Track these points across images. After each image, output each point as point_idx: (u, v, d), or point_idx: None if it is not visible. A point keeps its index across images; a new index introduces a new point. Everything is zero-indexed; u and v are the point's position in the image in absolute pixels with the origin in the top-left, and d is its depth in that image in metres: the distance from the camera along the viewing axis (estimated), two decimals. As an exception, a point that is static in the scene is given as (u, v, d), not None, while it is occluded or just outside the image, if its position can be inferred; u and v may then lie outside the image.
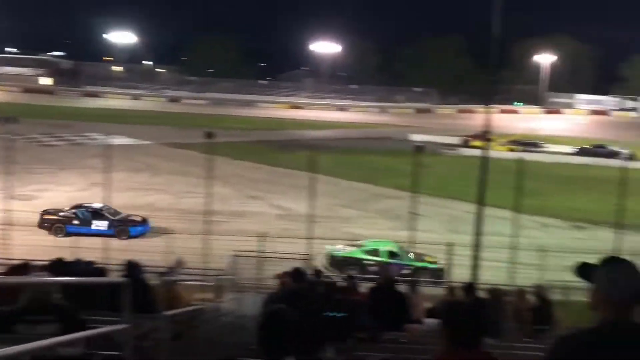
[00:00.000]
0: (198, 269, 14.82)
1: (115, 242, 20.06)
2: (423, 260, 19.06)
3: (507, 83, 79.83)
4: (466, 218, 23.62)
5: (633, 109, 73.70)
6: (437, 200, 28.58)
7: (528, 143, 48.39)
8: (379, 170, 36.88)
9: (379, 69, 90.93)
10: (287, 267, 10.06)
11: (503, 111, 69.66)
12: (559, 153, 46.31)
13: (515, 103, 78.64)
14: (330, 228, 23.39)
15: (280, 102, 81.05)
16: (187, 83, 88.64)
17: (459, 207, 26.65)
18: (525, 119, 67.05)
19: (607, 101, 76.12)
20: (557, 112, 75.19)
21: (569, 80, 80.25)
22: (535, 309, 10.11)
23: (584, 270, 2.46)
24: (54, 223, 21.52)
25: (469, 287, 10.07)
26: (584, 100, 76.95)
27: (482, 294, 10.48)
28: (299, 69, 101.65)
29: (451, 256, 16.99)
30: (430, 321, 8.21)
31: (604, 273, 2.37)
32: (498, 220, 22.62)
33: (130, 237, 21.47)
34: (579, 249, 18.40)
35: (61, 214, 21.89)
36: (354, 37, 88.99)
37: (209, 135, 17.43)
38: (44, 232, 21.18)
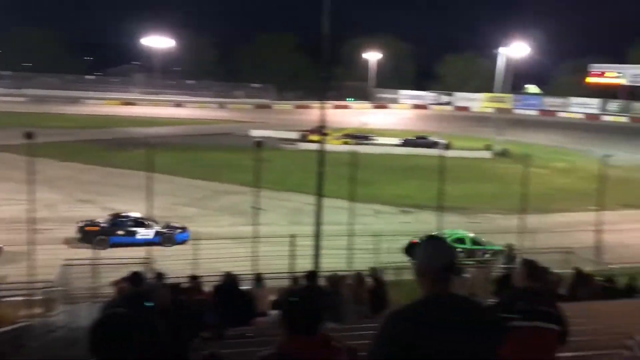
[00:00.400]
0: (23, 282, 13.41)
1: None
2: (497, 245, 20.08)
3: (340, 80, 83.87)
4: (306, 209, 24.46)
5: (448, 103, 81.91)
6: (278, 193, 29.16)
7: (360, 136, 51.32)
8: (220, 166, 36.58)
9: (215, 65, 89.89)
10: (126, 272, 9.58)
11: (337, 106, 73.09)
12: (387, 145, 49.84)
13: (348, 99, 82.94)
14: (171, 228, 22.69)
15: (110, 98, 76.27)
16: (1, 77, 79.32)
17: (299, 199, 27.48)
18: (356, 114, 71.04)
19: (426, 96, 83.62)
20: (384, 106, 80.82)
21: (393, 77, 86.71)
22: (372, 290, 10.83)
23: (410, 249, 2.72)
24: (96, 235, 20.51)
25: (311, 276, 10.47)
26: (407, 96, 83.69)
27: (323, 281, 10.96)
28: (130, 63, 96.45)
29: (294, 247, 17.45)
30: (275, 312, 8.40)
31: (421, 250, 2.64)
32: (336, 210, 23.74)
33: (176, 244, 21.23)
34: (407, 231, 20.08)
35: (103, 225, 21.11)
36: (189, 32, 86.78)
37: (29, 135, 15.78)
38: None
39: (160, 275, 10.29)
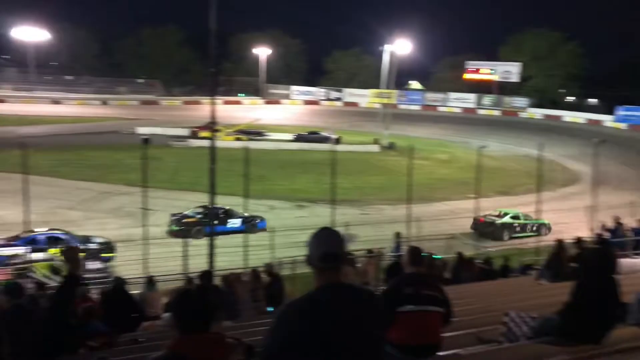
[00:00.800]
0: None
1: None
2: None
3: (230, 75, 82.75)
4: (200, 208, 23.95)
5: (338, 99, 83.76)
6: (169, 193, 28.29)
7: (252, 132, 51.10)
8: (106, 166, 34.74)
9: (96, 59, 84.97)
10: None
11: (227, 102, 72.08)
12: (280, 140, 50.11)
13: (239, 94, 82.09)
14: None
15: (-23, 95, 69.54)
16: None
17: (192, 198, 26.81)
18: (248, 110, 70.60)
19: (317, 92, 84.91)
20: (276, 102, 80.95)
21: (284, 73, 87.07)
22: (268, 286, 10.89)
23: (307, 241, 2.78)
24: (195, 226, 21.80)
25: (205, 275, 10.31)
26: (298, 91, 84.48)
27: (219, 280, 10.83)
28: (1, 57, 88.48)
29: (186, 247, 17.05)
30: (167, 315, 8.18)
31: (310, 241, 2.71)
32: (230, 207, 23.55)
33: (257, 231, 22.53)
34: (302, 225, 20.34)
35: (199, 216, 22.26)
36: (66, 24, 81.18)
37: None
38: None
39: (41, 285, 9.64)
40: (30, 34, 75.43)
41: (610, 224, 17.67)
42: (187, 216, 22.87)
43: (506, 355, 4.10)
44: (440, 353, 4.26)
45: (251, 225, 23.14)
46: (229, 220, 23.13)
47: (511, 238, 23.77)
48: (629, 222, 18.78)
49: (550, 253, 11.86)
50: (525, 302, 7.85)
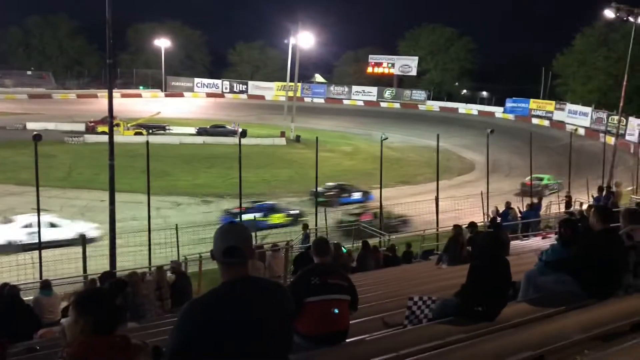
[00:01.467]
0: None
1: None
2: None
3: (129, 67, 79.30)
4: (99, 207, 22.86)
5: (242, 92, 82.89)
6: (65, 191, 26.73)
7: (154, 126, 49.41)
8: (-8, 165, 32.17)
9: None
10: None
11: (126, 95, 69.08)
12: (182, 134, 48.84)
13: (141, 87, 78.94)
14: None
15: None
16: None
17: (90, 197, 25.51)
18: (149, 103, 68.04)
19: (221, 84, 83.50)
20: (179, 95, 78.65)
21: (186, 65, 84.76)
22: (174, 284, 10.62)
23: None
24: (335, 197, 27.70)
25: (106, 276, 9.89)
26: (202, 84, 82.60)
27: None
28: None
29: (86, 248, 16.18)
30: (66, 320, 7.75)
31: (214, 237, 2.68)
32: (132, 205, 22.62)
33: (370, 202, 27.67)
34: (209, 221, 20.01)
35: (335, 191, 28.51)
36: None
37: None
38: None
39: None
40: None
41: (502, 209, 18.93)
42: (325, 190, 27.36)
43: (409, 337, 4.28)
44: (348, 339, 4.38)
45: (367, 197, 28.66)
46: (352, 194, 28.90)
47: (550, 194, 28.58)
48: (519, 206, 20.23)
49: (448, 238, 12.51)
50: (427, 285, 8.24)
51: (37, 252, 15.32)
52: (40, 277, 13.58)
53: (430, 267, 12.07)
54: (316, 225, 20.51)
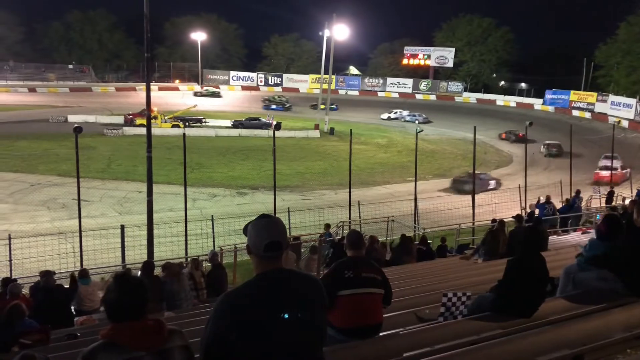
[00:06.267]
0: None
1: None
2: None
3: (166, 60, 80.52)
4: (137, 198, 23.36)
5: (277, 85, 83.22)
6: (104, 183, 27.38)
7: (190, 119, 50.10)
8: (35, 156, 33.16)
9: (22, 44, 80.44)
10: None
11: (163, 88, 70.21)
12: (218, 127, 49.38)
13: (176, 80, 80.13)
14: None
15: None
16: None
17: (128, 188, 26.06)
18: (185, 96, 69.06)
19: (256, 77, 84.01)
20: (215, 88, 79.48)
21: (222, 58, 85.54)
22: (210, 274, 10.76)
23: (246, 230, 2.75)
24: (464, 183, 27.78)
25: (147, 266, 10.08)
26: (237, 77, 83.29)
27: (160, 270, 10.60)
28: None
29: (125, 239, 16.55)
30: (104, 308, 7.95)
31: (249, 229, 2.69)
32: (169, 196, 23.05)
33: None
34: (244, 213, 20.20)
35: (464, 176, 29.38)
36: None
37: None
38: None
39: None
40: (-54, 16, 70.55)
41: (541, 202, 18.53)
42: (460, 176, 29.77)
43: (443, 332, 4.23)
44: (381, 333, 4.35)
45: (499, 183, 31.05)
46: (490, 182, 30.52)
47: None
48: (557, 201, 19.77)
49: (485, 232, 12.30)
50: (462, 280, 8.13)
51: (77, 241, 15.74)
52: (81, 266, 13.94)
53: (465, 261, 11.90)
54: (350, 218, 20.48)
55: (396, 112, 63.83)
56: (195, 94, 70.76)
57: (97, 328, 6.89)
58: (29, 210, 23.87)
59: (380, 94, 78.53)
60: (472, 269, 10.17)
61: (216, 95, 71.93)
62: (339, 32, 60.23)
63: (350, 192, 21.47)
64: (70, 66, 79.79)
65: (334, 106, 61.86)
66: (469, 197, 21.49)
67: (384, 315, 4.48)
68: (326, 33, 57.47)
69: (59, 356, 5.19)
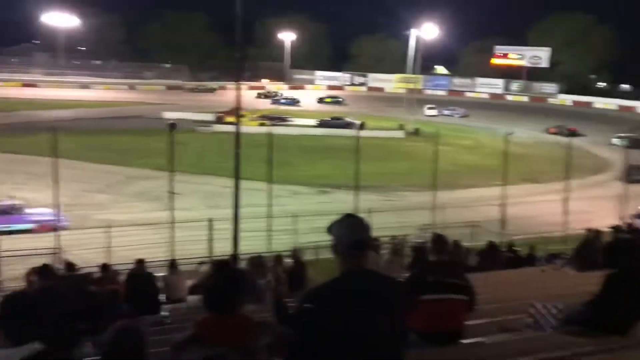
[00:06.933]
0: None
1: None
2: None
3: (255, 60, 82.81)
4: (224, 192, 24.14)
5: (362, 84, 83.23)
6: (194, 177, 28.56)
7: (276, 118, 51.22)
8: (132, 150, 35.23)
9: (123, 44, 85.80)
10: (34, 264, 9.07)
11: (252, 87, 72.23)
12: (303, 126, 50.09)
13: (263, 80, 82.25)
14: (80, 216, 21.68)
15: (9, 79, 71.02)
16: None
17: (216, 183, 27.05)
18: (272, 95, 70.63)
19: (341, 77, 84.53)
20: (300, 87, 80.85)
21: (309, 58, 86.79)
22: (291, 271, 10.94)
23: (331, 228, 2.78)
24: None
25: (232, 259, 10.41)
26: (323, 77, 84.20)
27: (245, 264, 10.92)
28: (30, 42, 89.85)
29: (212, 231, 17.24)
30: (192, 298, 8.30)
31: (335, 228, 2.71)
32: (253, 192, 23.62)
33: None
34: (325, 211, 20.37)
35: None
36: (93, 9, 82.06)
37: None
38: None
39: (70, 266, 9.85)
40: (60, 19, 76.54)
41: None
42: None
43: (531, 345, 4.05)
44: (464, 341, 4.24)
45: None
46: None
47: None
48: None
49: (580, 242, 11.66)
50: (551, 291, 7.74)
51: (168, 232, 16.55)
52: (172, 256, 14.63)
53: (555, 271, 11.33)
54: (433, 221, 20.12)
55: (434, 108, 62.89)
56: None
57: (184, 317, 7.20)
58: (125, 201, 25.40)
59: (468, 94, 76.45)
60: (562, 279, 9.67)
61: (210, 91, 73.28)
62: (427, 31, 59.26)
63: (434, 194, 21.08)
64: (167, 65, 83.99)
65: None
66: (560, 204, 20.46)
67: (466, 322, 4.37)
68: (413, 32, 56.73)
69: (148, 341, 5.46)
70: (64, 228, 18.83)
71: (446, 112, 60.87)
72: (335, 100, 70.06)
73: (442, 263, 4.36)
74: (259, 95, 70.40)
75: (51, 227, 18.77)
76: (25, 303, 2.54)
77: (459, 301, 4.24)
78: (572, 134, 52.40)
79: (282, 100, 67.21)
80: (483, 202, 25.82)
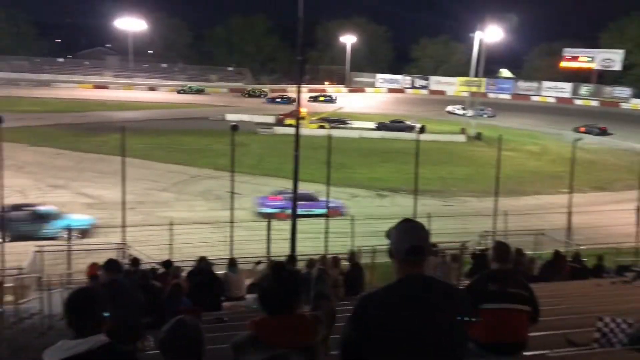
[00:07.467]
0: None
1: None
2: None
3: (315, 63, 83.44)
4: (283, 194, 24.42)
5: (423, 87, 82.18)
6: (254, 178, 29.05)
7: (335, 120, 51.33)
8: (196, 151, 36.23)
9: (188, 47, 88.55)
10: (100, 259, 9.47)
11: (312, 90, 72.76)
12: (362, 129, 49.95)
13: (325, 83, 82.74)
14: (145, 213, 22.49)
15: (82, 81, 74.76)
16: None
17: (276, 184, 27.39)
18: (332, 98, 70.86)
19: (402, 80, 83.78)
20: (360, 90, 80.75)
21: (369, 61, 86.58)
22: (348, 273, 10.92)
23: (389, 232, 2.74)
24: None
25: (289, 259, 10.52)
26: (383, 79, 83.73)
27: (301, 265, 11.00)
28: (104, 46, 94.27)
29: (270, 232, 17.44)
30: (251, 296, 8.42)
31: (393, 232, 2.67)
32: (312, 194, 23.81)
33: None
34: (383, 215, 20.22)
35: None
36: (161, 14, 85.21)
37: (-2, 119, 15.31)
38: None
39: (135, 262, 10.22)
40: (130, 23, 79.88)
41: None
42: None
43: (599, 361, 3.86)
44: (527, 353, 4.09)
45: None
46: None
47: None
48: None
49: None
50: (620, 305, 7.36)
51: (229, 231, 16.89)
52: (231, 255, 14.91)
53: (625, 285, 10.77)
54: (494, 227, 19.57)
55: (456, 107, 62.17)
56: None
57: (242, 315, 7.32)
58: (188, 199, 26.12)
59: (534, 98, 74.06)
60: (633, 294, 9.18)
61: (200, 92, 72.55)
62: (492, 33, 57.83)
63: (496, 200, 20.51)
64: (230, 68, 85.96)
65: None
66: (632, 212, 19.41)
67: (529, 334, 4.21)
68: (478, 34, 55.51)
69: (207, 337, 5.58)
70: (343, 214, 22.37)
71: (474, 112, 60.05)
72: (329, 99, 70.11)
73: (505, 272, 4.22)
74: (243, 94, 72.40)
75: (339, 213, 22.73)
76: (92, 296, 2.65)
77: (522, 312, 4.09)
78: (603, 132, 50.81)
79: (278, 100, 67.42)
80: (548, 210, 24.91)
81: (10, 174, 19.75)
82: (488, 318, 3.97)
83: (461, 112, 61.03)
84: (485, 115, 57.88)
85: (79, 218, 20.81)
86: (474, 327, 3.89)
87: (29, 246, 15.64)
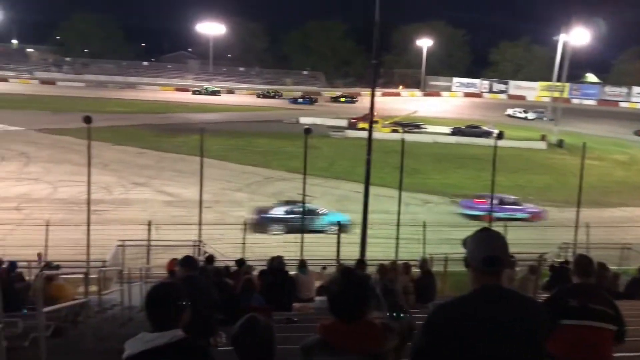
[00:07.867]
0: (80, 261, 14.00)
1: None
2: None
3: (390, 67, 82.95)
4: (354, 197, 24.42)
5: (502, 92, 79.65)
6: (326, 181, 29.23)
7: (409, 124, 50.73)
8: (270, 153, 36.94)
9: (266, 52, 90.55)
10: (177, 254, 9.82)
11: (386, 94, 72.34)
12: (437, 133, 49.08)
13: (400, 86, 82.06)
14: (221, 212, 23.14)
15: (165, 84, 78.20)
16: (62, 64, 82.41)
17: (347, 187, 27.42)
18: (407, 102, 70.14)
19: (479, 84, 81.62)
20: (436, 94, 79.42)
21: (446, 65, 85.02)
22: (419, 280, 10.73)
23: (465, 241, 2.67)
24: None
25: (359, 264, 10.48)
26: (460, 83, 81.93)
27: (371, 270, 10.93)
28: (186, 50, 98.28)
29: (341, 235, 17.47)
30: (320, 299, 8.45)
31: (470, 242, 2.59)
32: (383, 199, 23.61)
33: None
34: (457, 222, 19.76)
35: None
36: (239, 19, 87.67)
37: (87, 119, 16.29)
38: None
39: (210, 259, 10.52)
40: (210, 28, 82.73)
41: None
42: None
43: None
44: (610, 375, 3.85)
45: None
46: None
47: None
48: None
49: None
50: None
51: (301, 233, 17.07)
52: (301, 256, 15.06)
53: None
54: (575, 240, 18.62)
55: (517, 110, 60.60)
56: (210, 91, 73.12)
57: (312, 316, 7.35)
58: (261, 200, 26.62)
59: (623, 104, 70.05)
60: None
61: (216, 93, 73.04)
62: (578, 36, 55.20)
63: (578, 211, 19.51)
64: (305, 72, 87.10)
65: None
66: None
67: (613, 354, 3.96)
68: (562, 37, 53.15)
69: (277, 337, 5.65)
70: (544, 219, 23.42)
71: (532, 115, 57.68)
72: (350, 100, 70.03)
73: (588, 287, 3.99)
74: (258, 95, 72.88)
75: (540, 217, 23.54)
76: (172, 291, 2.74)
77: (606, 330, 3.85)
78: None
79: (300, 100, 68.34)
80: (635, 223, 23.42)
81: (97, 171, 20.93)
82: (568, 334, 3.76)
83: (522, 115, 59.00)
84: (545, 119, 55.62)
85: (340, 215, 21.84)
86: (553, 343, 3.72)
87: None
